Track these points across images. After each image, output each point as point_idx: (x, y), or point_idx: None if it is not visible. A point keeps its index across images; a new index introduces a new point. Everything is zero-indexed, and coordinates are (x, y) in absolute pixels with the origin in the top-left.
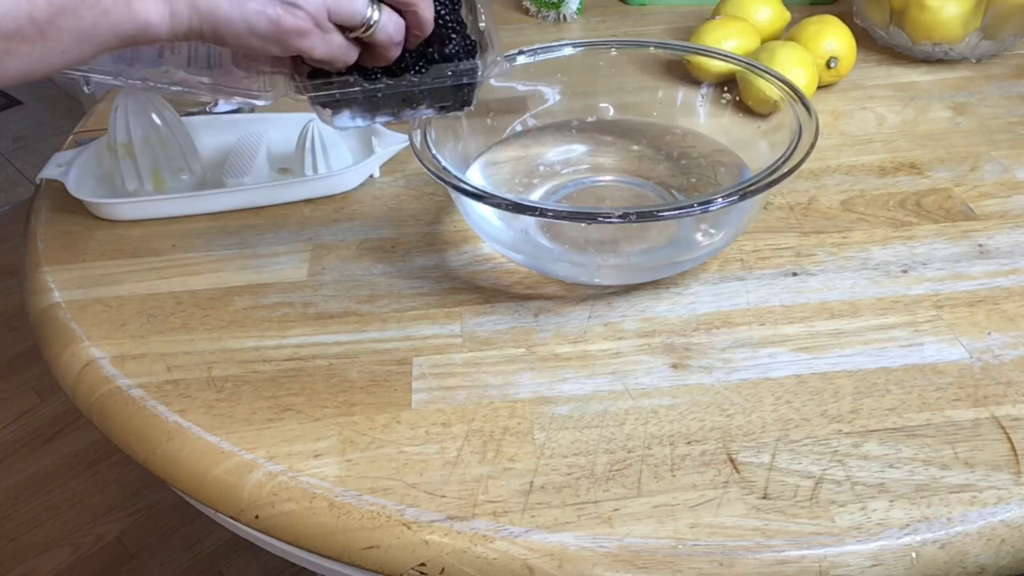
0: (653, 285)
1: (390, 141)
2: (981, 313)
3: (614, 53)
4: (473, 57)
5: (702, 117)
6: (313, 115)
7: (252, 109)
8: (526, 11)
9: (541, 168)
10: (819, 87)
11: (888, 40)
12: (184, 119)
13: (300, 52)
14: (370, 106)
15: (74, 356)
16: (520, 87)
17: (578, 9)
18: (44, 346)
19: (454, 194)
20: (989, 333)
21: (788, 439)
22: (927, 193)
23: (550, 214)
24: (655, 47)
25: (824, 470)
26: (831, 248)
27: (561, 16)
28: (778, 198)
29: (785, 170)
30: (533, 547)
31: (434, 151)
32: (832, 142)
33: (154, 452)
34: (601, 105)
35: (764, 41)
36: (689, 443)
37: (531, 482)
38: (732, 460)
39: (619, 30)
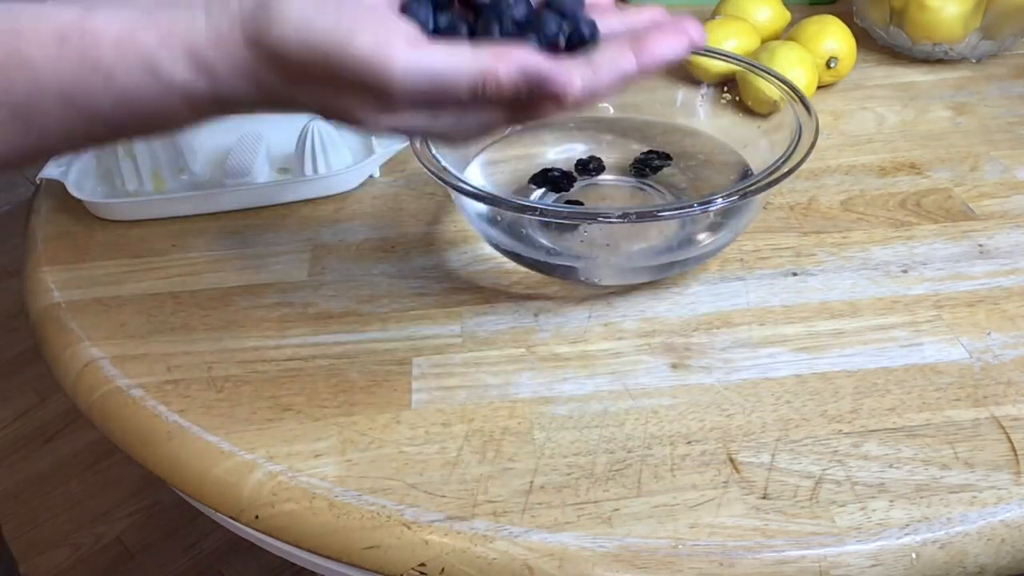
0: (653, 285)
1: (390, 141)
2: (981, 313)
3: None
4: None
5: (702, 117)
6: (314, 115)
7: None
8: None
9: (541, 168)
10: (819, 87)
11: (888, 40)
12: None
13: None
14: None
15: (74, 356)
16: None
17: None
18: (44, 346)
19: (454, 194)
20: (989, 333)
21: (788, 439)
22: (927, 193)
23: (550, 214)
24: None
25: (824, 470)
26: (831, 248)
27: None
28: (778, 198)
29: (785, 170)
30: (533, 547)
31: (434, 151)
32: (832, 142)
33: (154, 452)
34: (601, 104)
35: (764, 41)
36: (689, 443)
37: (531, 482)
38: (732, 460)
39: None
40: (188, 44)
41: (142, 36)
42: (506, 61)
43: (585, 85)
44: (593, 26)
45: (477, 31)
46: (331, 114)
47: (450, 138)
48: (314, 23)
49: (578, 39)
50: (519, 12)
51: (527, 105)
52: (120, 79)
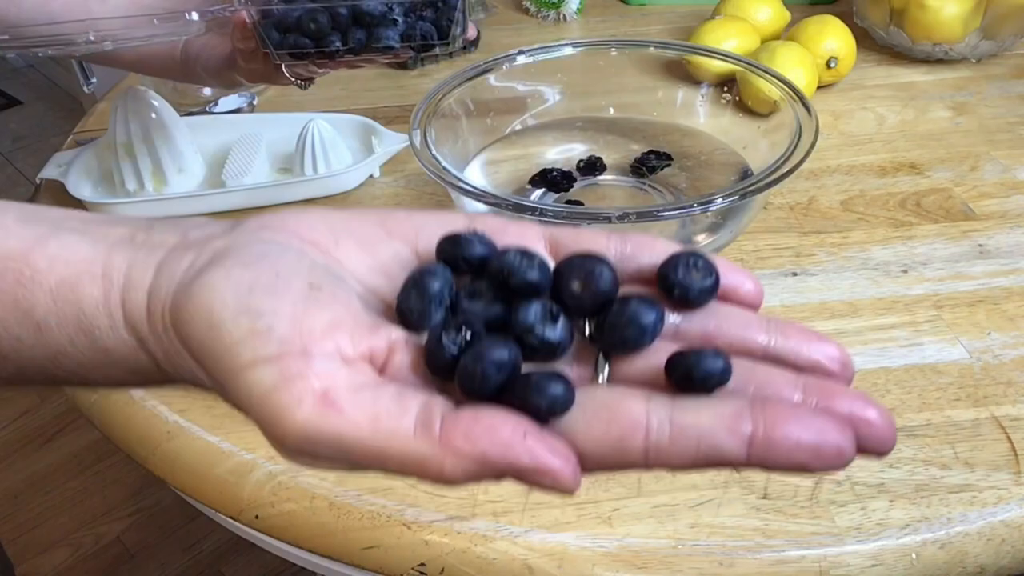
0: None
1: (390, 141)
2: (981, 313)
3: (614, 53)
4: None
5: (702, 117)
6: (313, 115)
7: (252, 108)
8: (526, 11)
9: (541, 168)
10: (819, 87)
11: (888, 40)
12: (184, 119)
13: None
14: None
15: None
16: (520, 87)
17: (578, 9)
18: None
19: (454, 194)
20: (989, 333)
21: None
22: (927, 193)
23: (550, 214)
24: (655, 47)
25: None
26: (831, 248)
27: (561, 16)
28: (778, 198)
29: (785, 170)
30: (533, 547)
31: (434, 151)
32: (832, 142)
33: (154, 452)
34: (601, 105)
35: (764, 41)
36: None
37: None
38: None
39: (619, 30)
40: (131, 310)
41: (86, 290)
42: (456, 449)
43: (654, 449)
44: (724, 363)
45: (460, 368)
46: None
47: None
48: (221, 330)
49: (700, 379)
50: (550, 334)
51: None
52: (53, 334)
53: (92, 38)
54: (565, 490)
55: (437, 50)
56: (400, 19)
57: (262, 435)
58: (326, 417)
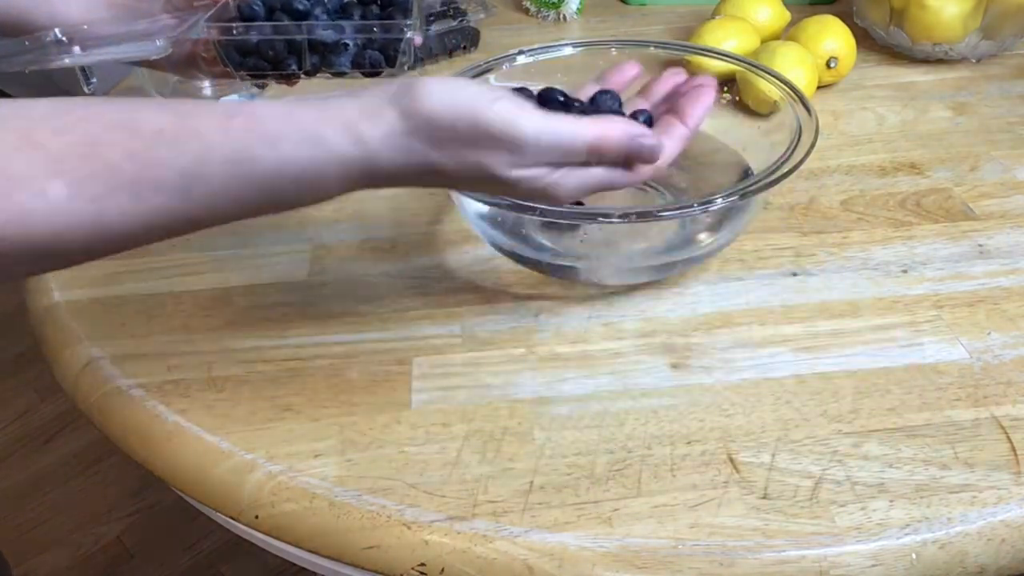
0: (653, 285)
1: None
2: (981, 313)
3: (614, 53)
4: None
5: None
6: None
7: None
8: (526, 11)
9: None
10: (819, 87)
11: (888, 40)
12: None
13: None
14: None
15: (74, 356)
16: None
17: (578, 9)
18: (44, 346)
19: (454, 194)
20: (989, 333)
21: (788, 439)
22: (927, 193)
23: (550, 214)
24: (655, 47)
25: (824, 470)
26: (831, 248)
27: (561, 16)
28: (778, 198)
29: (785, 170)
30: (533, 547)
31: None
32: (832, 142)
33: (154, 452)
34: None
35: (764, 41)
36: (689, 443)
37: (531, 482)
38: (732, 460)
39: (619, 30)
40: (344, 119)
41: (301, 115)
42: (615, 127)
43: (667, 152)
44: (649, 116)
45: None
46: (466, 172)
47: (554, 196)
48: (458, 95)
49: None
50: (616, 103)
51: (623, 165)
52: (283, 146)
53: (60, 35)
54: (661, 160)
55: (384, 75)
56: (351, 45)
57: (503, 152)
58: (546, 117)
